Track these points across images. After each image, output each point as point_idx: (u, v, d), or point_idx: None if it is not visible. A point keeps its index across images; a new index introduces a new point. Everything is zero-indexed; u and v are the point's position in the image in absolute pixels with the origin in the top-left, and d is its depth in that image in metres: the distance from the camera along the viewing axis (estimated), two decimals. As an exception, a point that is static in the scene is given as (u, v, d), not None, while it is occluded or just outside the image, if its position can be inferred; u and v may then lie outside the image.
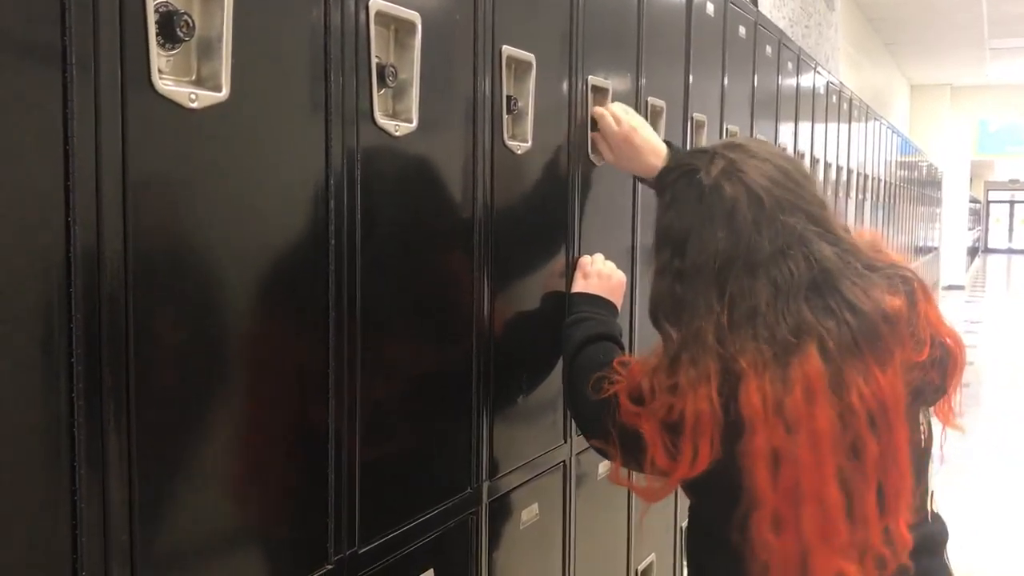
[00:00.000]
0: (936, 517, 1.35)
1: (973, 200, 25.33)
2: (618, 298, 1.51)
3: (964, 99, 12.35)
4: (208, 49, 0.81)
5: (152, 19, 0.75)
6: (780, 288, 1.12)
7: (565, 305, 1.47)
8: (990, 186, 33.19)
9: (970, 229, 22.96)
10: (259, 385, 0.90)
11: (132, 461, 0.74)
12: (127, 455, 0.74)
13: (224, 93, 0.82)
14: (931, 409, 1.27)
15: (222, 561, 0.88)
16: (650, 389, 1.16)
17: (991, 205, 35.30)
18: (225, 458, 0.86)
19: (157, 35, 0.76)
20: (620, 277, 1.54)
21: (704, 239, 1.14)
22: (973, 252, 25.80)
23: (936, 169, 10.28)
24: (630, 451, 1.19)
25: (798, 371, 1.10)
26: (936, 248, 10.85)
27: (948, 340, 1.22)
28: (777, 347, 1.11)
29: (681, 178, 1.20)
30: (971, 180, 21.57)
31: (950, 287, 16.25)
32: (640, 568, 1.90)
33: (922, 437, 1.24)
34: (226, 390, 0.86)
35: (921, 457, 1.25)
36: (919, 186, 8.41)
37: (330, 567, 0.99)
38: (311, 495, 0.98)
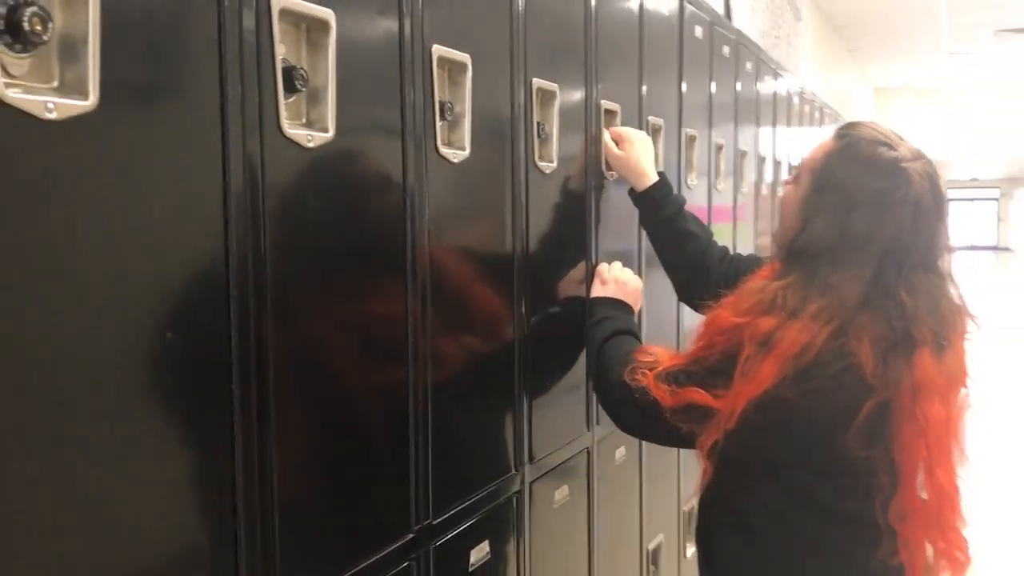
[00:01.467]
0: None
1: (937, 199, 25.54)
2: (636, 302, 1.63)
3: (927, 101, 12.45)
4: (72, 52, 0.71)
5: (-4, 15, 0.64)
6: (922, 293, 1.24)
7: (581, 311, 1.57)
8: (951, 184, 33.60)
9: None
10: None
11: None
12: None
13: (91, 101, 0.71)
14: None
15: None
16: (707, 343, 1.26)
17: (953, 203, 35.74)
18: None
19: (2, 33, 0.65)
20: (637, 283, 1.65)
21: (886, 218, 1.24)
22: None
23: (900, 170, 10.32)
24: (672, 424, 1.27)
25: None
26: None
27: None
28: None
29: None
30: (934, 180, 21.80)
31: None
32: (650, 547, 2.08)
33: None
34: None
35: None
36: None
37: (411, 535, 1.15)
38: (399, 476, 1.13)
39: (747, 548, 1.38)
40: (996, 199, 35.37)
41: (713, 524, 1.43)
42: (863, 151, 1.28)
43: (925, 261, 1.26)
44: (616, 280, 1.63)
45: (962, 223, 36.86)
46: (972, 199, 36.56)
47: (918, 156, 1.29)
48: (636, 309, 1.64)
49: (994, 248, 34.71)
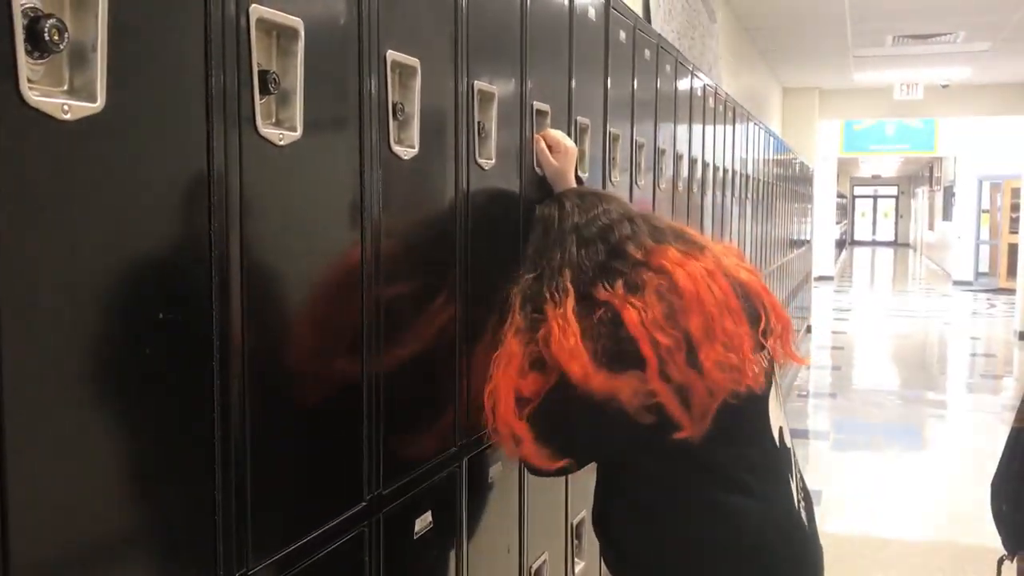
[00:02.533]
0: (785, 448, 1.61)
1: (840, 195, 26.53)
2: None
3: (831, 102, 12.91)
4: (81, 58, 0.78)
5: (20, 24, 0.72)
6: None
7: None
8: (856, 182, 34.82)
9: (838, 223, 24.07)
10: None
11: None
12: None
13: (99, 104, 0.79)
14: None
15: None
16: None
17: (856, 200, 37.05)
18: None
19: (25, 42, 0.73)
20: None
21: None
22: (841, 245, 27.02)
23: (807, 167, 10.70)
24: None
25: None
26: (808, 241, 11.30)
27: None
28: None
29: None
30: (838, 177, 22.59)
31: (821, 278, 16.98)
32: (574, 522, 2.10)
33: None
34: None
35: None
36: (792, 183, 8.74)
37: (364, 504, 1.25)
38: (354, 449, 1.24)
39: (642, 523, 1.54)
40: (895, 196, 36.75)
41: (607, 508, 1.60)
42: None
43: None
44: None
45: (865, 220, 38.28)
46: (873, 196, 37.92)
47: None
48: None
49: (893, 244, 36.10)
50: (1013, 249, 14.25)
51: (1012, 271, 14.25)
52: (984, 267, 17.84)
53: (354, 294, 1.22)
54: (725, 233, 4.63)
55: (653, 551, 1.56)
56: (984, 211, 18.01)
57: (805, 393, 8.29)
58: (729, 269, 1.59)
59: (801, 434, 6.88)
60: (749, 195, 5.48)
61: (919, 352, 11.17)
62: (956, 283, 18.03)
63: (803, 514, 1.61)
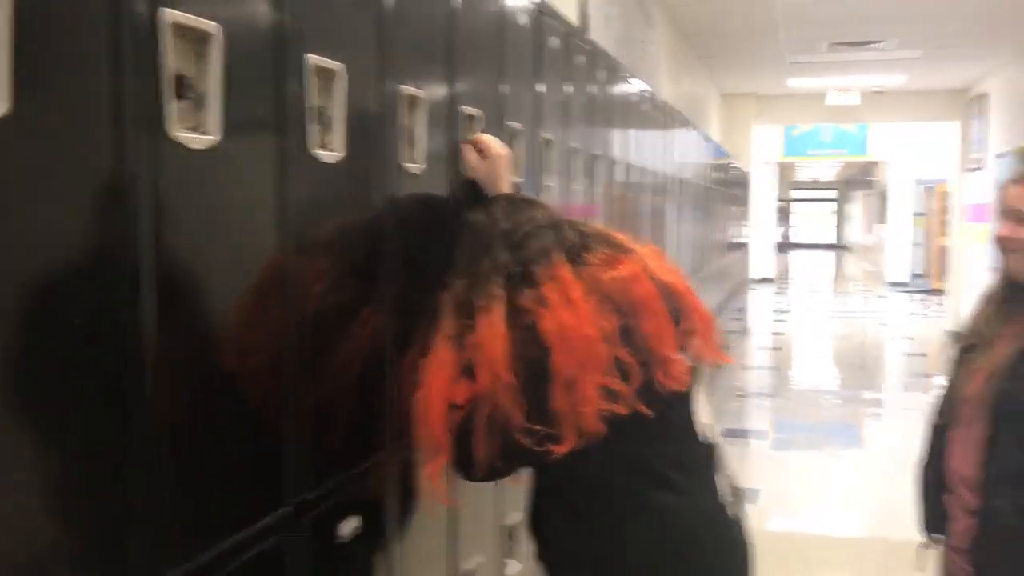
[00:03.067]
0: (712, 444, 1.65)
1: (781, 200, 27.00)
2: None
3: (769, 107, 13.12)
4: (-17, 61, 0.77)
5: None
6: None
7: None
8: (794, 186, 35.42)
9: (777, 226, 24.48)
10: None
11: None
12: None
13: (5, 108, 0.77)
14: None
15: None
16: None
17: (796, 204, 37.71)
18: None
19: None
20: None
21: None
22: (780, 248, 27.46)
23: (745, 172, 10.88)
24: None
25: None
26: (746, 244, 11.48)
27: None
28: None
29: None
30: (779, 181, 22.99)
31: (761, 280, 17.26)
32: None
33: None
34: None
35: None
36: (730, 187, 8.88)
37: (290, 508, 1.25)
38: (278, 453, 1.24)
39: (573, 523, 1.57)
40: (835, 200, 37.47)
41: (539, 508, 1.64)
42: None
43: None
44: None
45: (806, 223, 38.97)
46: (813, 200, 38.61)
47: None
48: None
49: (834, 246, 36.80)
50: (945, 251, 14.63)
51: (944, 272, 14.63)
52: (918, 269, 18.29)
53: (276, 300, 1.21)
54: (662, 237, 4.69)
55: (585, 550, 1.58)
56: (918, 214, 18.47)
57: (745, 393, 8.41)
58: (654, 271, 1.61)
59: (741, 434, 6.98)
60: (686, 199, 5.55)
61: (856, 352, 11.41)
62: (892, 284, 18.45)
63: (731, 510, 1.64)
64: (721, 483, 1.64)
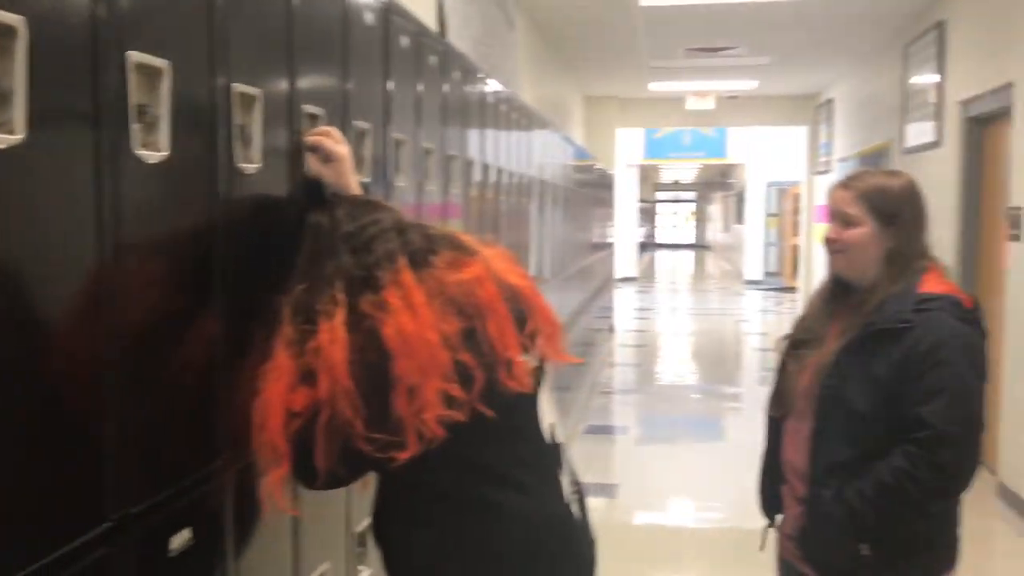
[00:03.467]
0: (556, 444, 1.67)
1: (644, 201, 27.72)
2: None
3: (631, 110, 13.45)
4: None
5: None
6: None
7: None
8: (658, 188, 36.46)
9: (640, 227, 25.13)
10: None
11: None
12: None
13: None
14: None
15: None
16: None
17: (659, 205, 38.82)
18: None
19: None
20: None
21: None
22: (643, 247, 28.21)
23: (607, 173, 11.11)
24: None
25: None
26: (610, 244, 11.73)
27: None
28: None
29: None
30: (641, 183, 23.59)
31: (624, 279, 17.68)
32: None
33: None
34: None
35: None
36: (593, 189, 9.05)
37: (110, 523, 1.18)
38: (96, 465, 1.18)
39: (419, 527, 1.57)
40: (695, 201, 38.77)
41: (385, 514, 1.63)
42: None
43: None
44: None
45: (667, 224, 40.16)
46: (675, 201, 39.84)
47: None
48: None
49: (694, 246, 38.07)
50: (796, 250, 15.34)
51: (796, 271, 15.34)
52: (772, 267, 19.12)
53: (92, 305, 1.16)
54: (525, 238, 4.74)
55: (431, 554, 1.57)
56: (772, 215, 19.30)
57: (609, 390, 8.60)
58: (500, 273, 1.63)
59: (605, 430, 7.13)
60: (548, 200, 5.63)
61: (716, 349, 11.83)
62: (748, 282, 19.22)
63: (575, 507, 1.66)
64: (566, 483, 1.66)
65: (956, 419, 1.82)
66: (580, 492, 1.71)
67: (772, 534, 2.21)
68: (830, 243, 2.01)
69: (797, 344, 2.08)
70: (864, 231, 1.95)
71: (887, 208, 1.94)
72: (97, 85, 1.16)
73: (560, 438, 1.70)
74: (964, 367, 1.85)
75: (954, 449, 1.82)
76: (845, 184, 2.03)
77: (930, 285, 1.93)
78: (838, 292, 2.06)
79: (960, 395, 1.84)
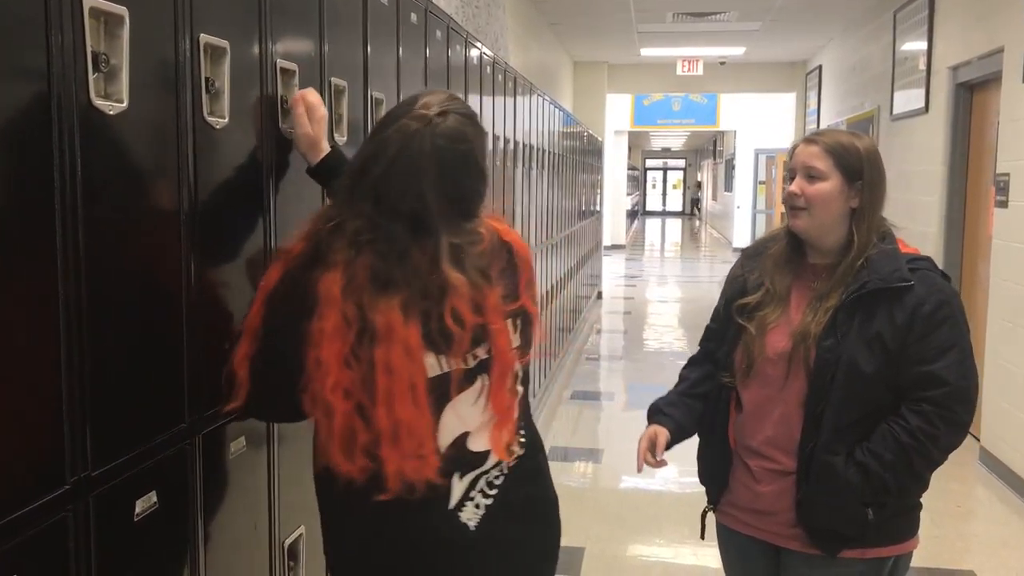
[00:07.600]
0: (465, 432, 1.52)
1: (633, 168, 27.62)
2: None
3: (620, 76, 13.33)
4: None
5: None
6: None
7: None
8: (647, 155, 36.31)
9: (629, 194, 25.06)
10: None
11: None
12: None
13: None
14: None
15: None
16: None
17: (648, 172, 38.70)
18: None
19: None
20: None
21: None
22: (633, 215, 28.17)
23: (597, 140, 11.03)
24: None
25: None
26: (598, 211, 11.68)
27: None
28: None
29: None
30: (630, 150, 23.50)
31: (612, 247, 17.65)
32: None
33: None
34: None
35: None
36: (582, 155, 8.98)
37: (67, 487, 1.16)
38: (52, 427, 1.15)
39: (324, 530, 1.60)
40: (683, 169, 38.67)
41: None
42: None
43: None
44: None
45: (656, 191, 40.06)
46: (664, 168, 39.73)
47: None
48: None
49: (681, 214, 38.04)
50: (784, 218, 15.29)
51: (784, 238, 15.27)
52: (761, 234, 19.11)
53: (49, 262, 1.12)
54: (512, 203, 4.69)
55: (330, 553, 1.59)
56: (760, 183, 19.25)
57: (596, 356, 8.59)
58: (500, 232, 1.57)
59: (592, 396, 7.13)
60: (535, 166, 5.57)
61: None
62: (736, 250, 19.20)
63: (467, 512, 1.52)
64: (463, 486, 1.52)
65: (968, 374, 1.84)
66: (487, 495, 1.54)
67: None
68: (793, 198, 1.94)
69: (754, 306, 2.00)
70: (831, 185, 1.89)
71: (853, 164, 1.90)
72: (51, 31, 1.11)
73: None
74: (964, 325, 1.87)
75: (968, 404, 1.84)
76: (811, 139, 1.97)
77: (902, 247, 1.92)
78: (794, 252, 2.00)
79: (968, 351, 1.85)
